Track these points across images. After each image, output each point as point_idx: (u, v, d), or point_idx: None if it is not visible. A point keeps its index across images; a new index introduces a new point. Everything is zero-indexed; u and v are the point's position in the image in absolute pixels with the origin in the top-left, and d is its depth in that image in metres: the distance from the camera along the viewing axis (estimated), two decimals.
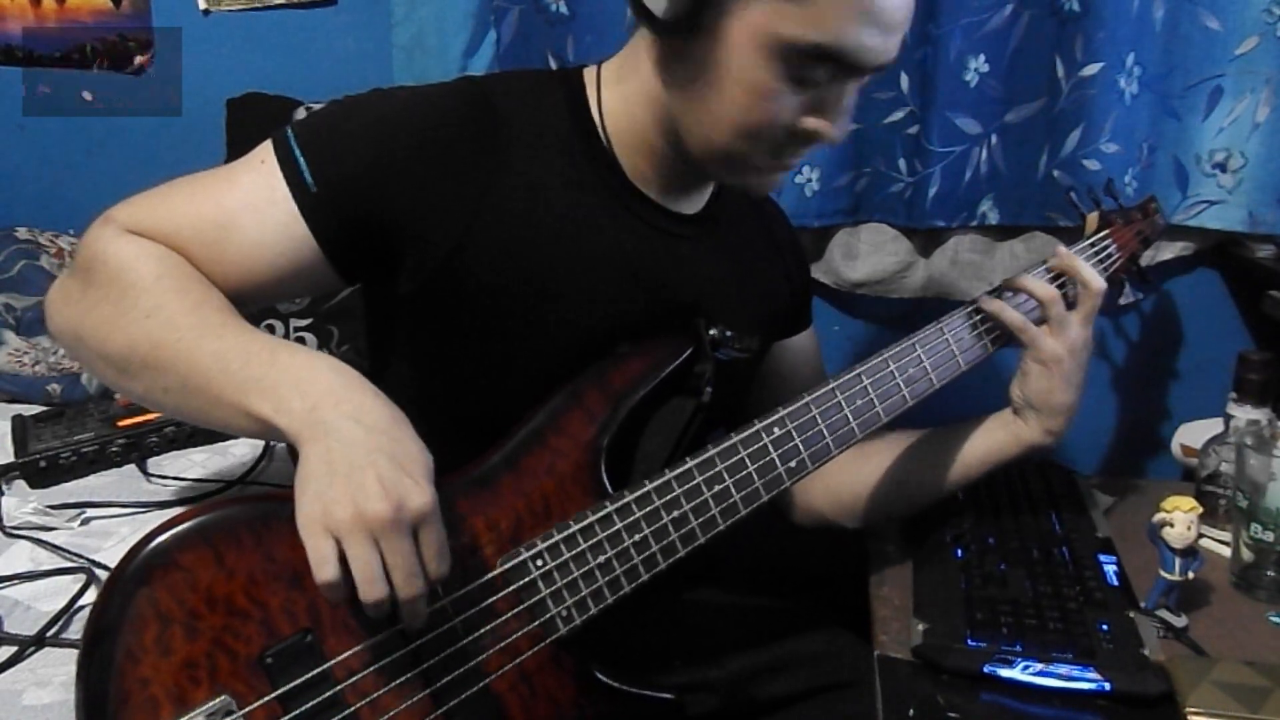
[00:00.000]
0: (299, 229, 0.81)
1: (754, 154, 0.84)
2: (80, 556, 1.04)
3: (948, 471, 1.02)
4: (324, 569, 0.67)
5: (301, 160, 0.80)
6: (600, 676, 0.83)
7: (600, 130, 0.89)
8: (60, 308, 0.81)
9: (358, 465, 0.68)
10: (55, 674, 0.87)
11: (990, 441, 1.00)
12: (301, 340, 1.48)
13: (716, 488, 0.84)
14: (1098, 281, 0.96)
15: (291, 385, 0.71)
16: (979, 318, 0.97)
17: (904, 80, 1.37)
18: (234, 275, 0.81)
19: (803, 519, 1.13)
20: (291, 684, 0.72)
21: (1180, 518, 0.93)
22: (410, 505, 0.68)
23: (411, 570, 0.69)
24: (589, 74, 0.91)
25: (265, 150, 0.82)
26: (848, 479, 1.07)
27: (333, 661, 0.73)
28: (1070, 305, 0.96)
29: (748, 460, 0.85)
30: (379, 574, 0.68)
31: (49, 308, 0.82)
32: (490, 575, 0.78)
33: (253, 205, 0.80)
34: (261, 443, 1.29)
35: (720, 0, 0.78)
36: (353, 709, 0.73)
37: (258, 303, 0.86)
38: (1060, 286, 0.98)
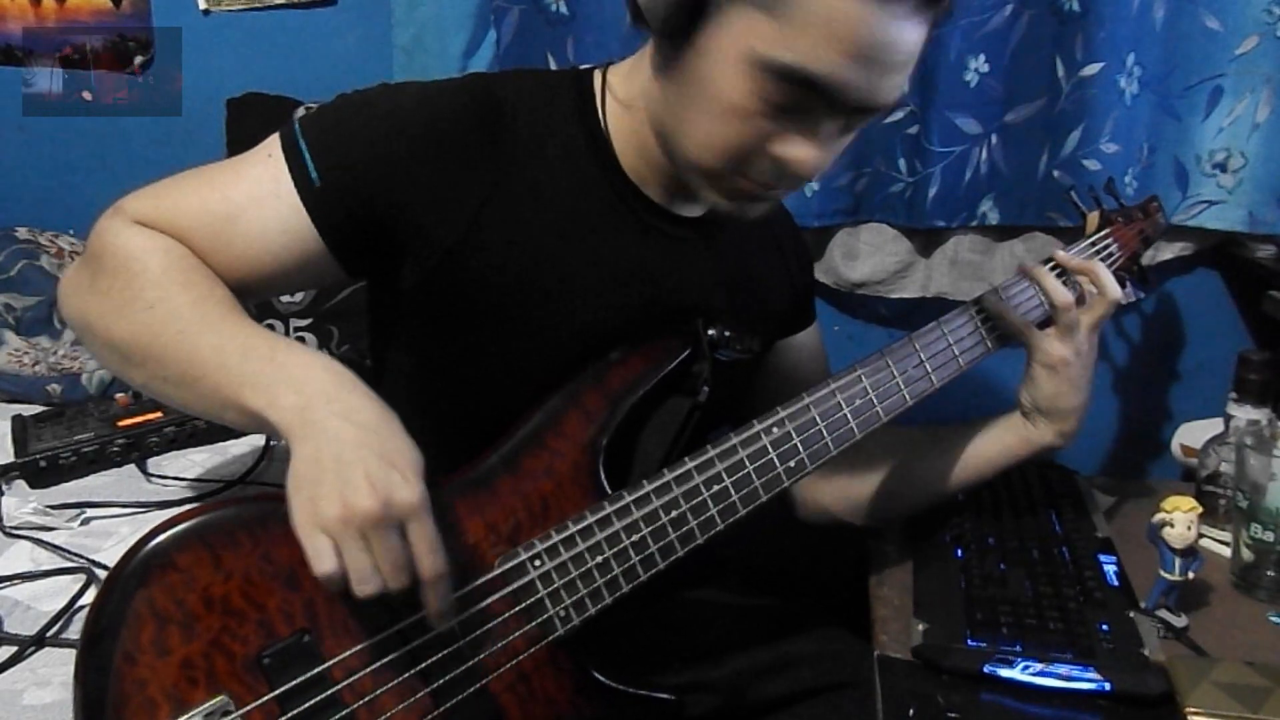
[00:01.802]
0: (303, 222, 0.81)
1: (732, 175, 0.81)
2: (80, 556, 1.04)
3: (957, 472, 1.02)
4: (321, 563, 0.68)
5: (307, 154, 0.81)
6: (599, 677, 0.82)
7: (606, 133, 0.89)
8: (70, 295, 0.82)
9: (346, 463, 0.68)
10: (55, 674, 0.87)
11: (1000, 444, 1.00)
12: (301, 340, 1.48)
13: (715, 488, 0.84)
14: (1115, 291, 0.95)
15: (286, 383, 0.71)
16: (980, 317, 0.97)
17: None
18: (239, 267, 0.81)
19: (809, 515, 1.13)
20: (289, 684, 0.72)
21: (1180, 518, 0.93)
22: (397, 500, 0.68)
23: (398, 565, 0.69)
24: (598, 76, 0.91)
25: (272, 143, 0.83)
26: (856, 476, 1.07)
27: (331, 662, 0.73)
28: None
29: (746, 461, 0.85)
30: (370, 570, 0.68)
31: (60, 295, 0.84)
32: (488, 576, 0.78)
33: (258, 198, 0.81)
34: (261, 443, 1.29)
35: (705, 9, 0.76)
36: (350, 709, 0.73)
37: (263, 294, 0.86)
38: (1065, 284, 0.98)
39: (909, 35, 0.74)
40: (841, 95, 0.75)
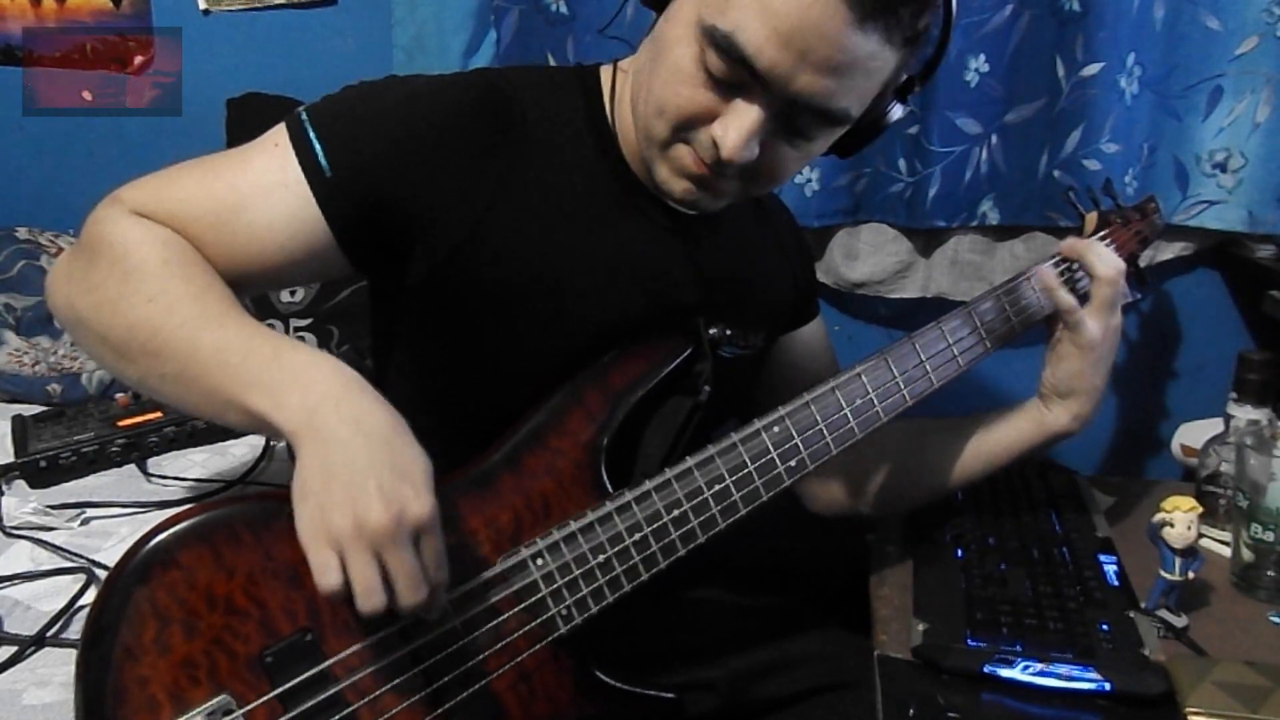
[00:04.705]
0: (312, 214, 0.80)
1: (677, 144, 0.82)
2: (80, 556, 1.04)
3: (971, 460, 1.03)
4: (326, 577, 0.67)
5: (317, 145, 0.80)
6: (600, 676, 0.83)
7: (612, 129, 0.89)
8: (62, 286, 0.79)
9: (357, 474, 0.67)
10: (55, 674, 0.87)
11: (1015, 431, 1.01)
12: (301, 340, 1.48)
13: (716, 487, 0.84)
14: (1103, 268, 0.96)
15: (292, 384, 0.70)
16: (980, 317, 0.97)
17: None
18: (242, 258, 0.80)
19: (820, 507, 1.14)
20: (291, 683, 0.72)
21: (1180, 518, 0.93)
22: (410, 515, 0.68)
23: (414, 579, 0.68)
24: (605, 72, 0.91)
25: (279, 133, 0.81)
26: (870, 466, 1.07)
27: (332, 660, 0.73)
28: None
29: (748, 460, 0.85)
30: (378, 585, 0.67)
31: (50, 285, 0.81)
32: (490, 574, 0.78)
33: (265, 188, 0.80)
34: (261, 443, 1.29)
35: None
36: (352, 708, 0.73)
37: (263, 287, 0.85)
38: (1075, 274, 0.99)
39: (853, 41, 0.73)
40: (767, 75, 0.75)
